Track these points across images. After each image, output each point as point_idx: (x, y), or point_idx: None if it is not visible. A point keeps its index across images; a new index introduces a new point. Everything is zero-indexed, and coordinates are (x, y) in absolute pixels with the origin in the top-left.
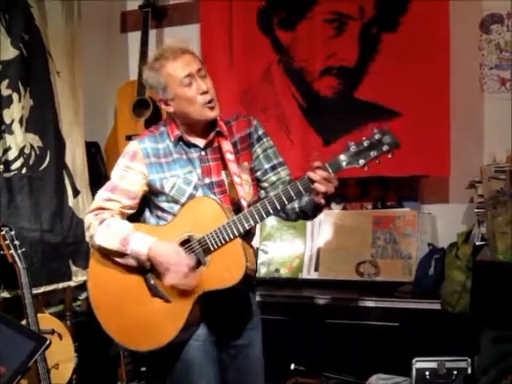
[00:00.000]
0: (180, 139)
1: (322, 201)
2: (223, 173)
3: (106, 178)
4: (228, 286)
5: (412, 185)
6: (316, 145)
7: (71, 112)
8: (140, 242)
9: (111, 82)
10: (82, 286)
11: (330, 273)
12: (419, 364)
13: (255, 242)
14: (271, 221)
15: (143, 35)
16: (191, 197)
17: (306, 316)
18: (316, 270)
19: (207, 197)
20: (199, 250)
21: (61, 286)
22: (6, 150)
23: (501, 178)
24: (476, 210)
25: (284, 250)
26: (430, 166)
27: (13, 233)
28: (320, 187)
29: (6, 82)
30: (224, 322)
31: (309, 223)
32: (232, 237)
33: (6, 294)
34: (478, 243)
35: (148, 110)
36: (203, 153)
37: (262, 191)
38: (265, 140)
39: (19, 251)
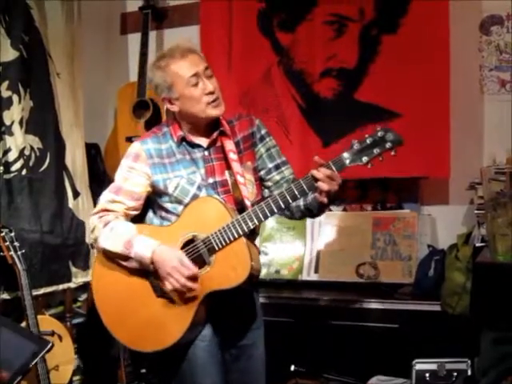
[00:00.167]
0: (183, 140)
1: (325, 199)
2: (227, 172)
3: (106, 180)
4: (233, 286)
5: (412, 186)
6: (316, 146)
7: (71, 113)
8: (144, 245)
9: (111, 83)
10: (82, 288)
11: (329, 274)
12: (419, 365)
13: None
14: (271, 222)
15: (143, 37)
16: (195, 197)
17: (306, 317)
18: (316, 271)
19: (211, 197)
20: (204, 249)
21: (61, 287)
22: (6, 152)
23: (501, 179)
24: (476, 212)
25: (284, 251)
26: (429, 167)
27: (13, 234)
28: (323, 185)
29: (5, 84)
30: (229, 322)
31: (309, 225)
32: (236, 236)
33: (5, 296)
34: (478, 245)
35: (148, 112)
36: (206, 153)
37: (266, 190)
38: (268, 139)
39: (19, 253)
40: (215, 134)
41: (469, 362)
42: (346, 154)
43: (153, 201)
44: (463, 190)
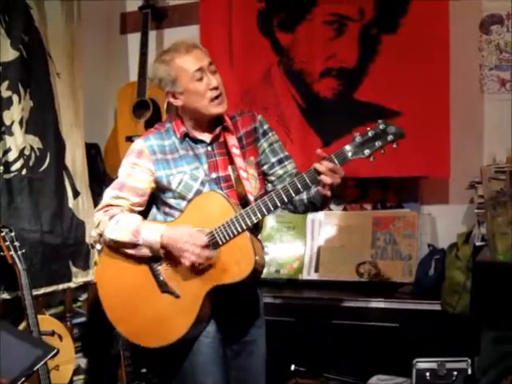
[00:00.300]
0: (186, 135)
1: (328, 192)
2: (230, 167)
3: (106, 180)
4: (237, 280)
5: (412, 185)
6: (316, 146)
7: (71, 113)
8: (151, 230)
9: (111, 83)
10: (82, 287)
11: (330, 274)
12: (419, 365)
13: None
14: (271, 222)
15: (143, 36)
16: (198, 192)
17: (306, 317)
18: (316, 270)
19: (214, 192)
20: None
21: (61, 287)
22: (6, 152)
23: (501, 178)
24: (476, 211)
25: (284, 250)
26: (429, 166)
27: (13, 234)
28: (326, 179)
29: (5, 84)
30: (232, 317)
31: (309, 224)
32: (240, 230)
33: (6, 296)
34: (478, 244)
35: (148, 112)
36: (209, 148)
37: (269, 185)
38: (270, 134)
39: (19, 252)
40: (218, 130)
41: (469, 361)
42: (348, 147)
43: (156, 197)
44: (463, 189)
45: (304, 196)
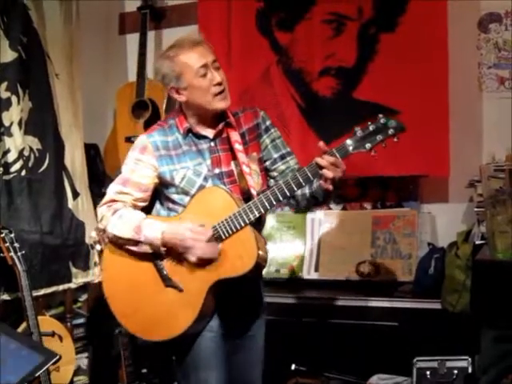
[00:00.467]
0: (189, 131)
1: (330, 186)
2: (232, 163)
3: (106, 180)
4: (240, 274)
5: (411, 184)
6: (315, 145)
7: (70, 114)
8: (153, 227)
9: (110, 83)
10: (82, 288)
11: (330, 273)
12: (420, 364)
13: None
14: (271, 221)
15: (141, 37)
16: (201, 188)
17: (306, 316)
18: (316, 270)
19: (217, 187)
20: None
21: (61, 288)
22: (6, 153)
23: (500, 176)
24: (476, 209)
25: (284, 250)
26: (429, 165)
27: (12, 235)
28: (328, 173)
29: (4, 85)
30: (235, 311)
31: (309, 224)
32: (243, 225)
33: (6, 297)
34: (477, 242)
35: (147, 112)
36: (212, 144)
37: (272, 180)
38: (272, 130)
39: (19, 253)
40: (221, 125)
41: (469, 359)
42: (349, 141)
43: (160, 192)
44: (463, 188)
45: (306, 190)
